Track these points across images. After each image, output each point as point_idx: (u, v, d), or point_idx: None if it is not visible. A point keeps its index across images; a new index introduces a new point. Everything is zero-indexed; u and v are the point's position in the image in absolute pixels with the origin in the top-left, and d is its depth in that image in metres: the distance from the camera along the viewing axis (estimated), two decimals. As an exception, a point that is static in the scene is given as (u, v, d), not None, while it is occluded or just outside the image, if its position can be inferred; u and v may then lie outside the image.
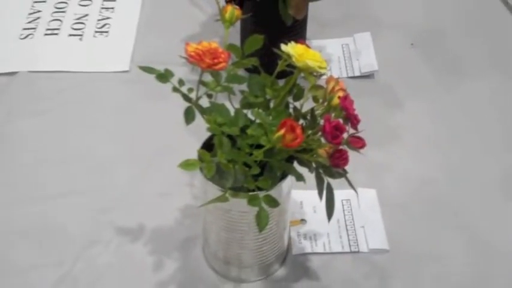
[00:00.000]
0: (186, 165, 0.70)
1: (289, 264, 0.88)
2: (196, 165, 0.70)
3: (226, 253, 0.83)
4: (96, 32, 1.22)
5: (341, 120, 0.71)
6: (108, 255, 0.89)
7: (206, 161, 0.70)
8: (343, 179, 0.97)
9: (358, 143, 0.71)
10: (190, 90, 0.72)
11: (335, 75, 1.12)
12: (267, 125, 0.69)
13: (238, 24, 1.13)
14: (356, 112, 0.72)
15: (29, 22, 1.24)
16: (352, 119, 0.70)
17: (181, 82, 0.72)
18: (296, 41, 0.75)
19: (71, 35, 1.21)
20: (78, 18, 1.24)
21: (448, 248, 0.90)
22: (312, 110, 0.75)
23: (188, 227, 0.91)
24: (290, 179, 0.77)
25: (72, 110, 1.09)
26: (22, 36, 1.21)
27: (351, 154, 1.02)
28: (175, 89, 0.71)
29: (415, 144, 1.04)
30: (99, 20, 1.24)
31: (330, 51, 1.18)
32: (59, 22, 1.23)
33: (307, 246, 0.90)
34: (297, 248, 0.89)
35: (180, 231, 0.91)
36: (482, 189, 0.98)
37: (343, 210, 0.94)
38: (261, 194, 0.69)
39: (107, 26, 1.23)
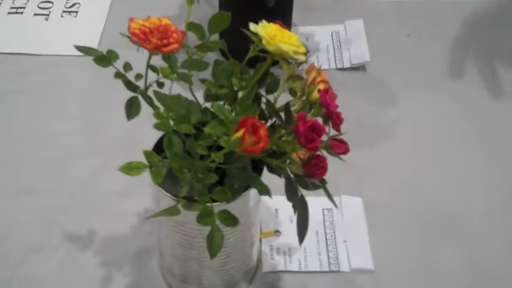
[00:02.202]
0: (129, 168, 0.53)
1: (258, 284, 0.71)
2: (142, 169, 0.53)
3: (183, 270, 0.66)
4: (64, 12, 1.04)
5: (320, 120, 0.54)
6: (53, 264, 0.72)
7: (154, 164, 0.53)
8: (329, 182, 0.82)
9: (339, 148, 0.54)
10: (138, 76, 0.55)
11: (323, 67, 0.96)
12: (229, 122, 0.52)
13: (216, 4, 0.97)
14: (339, 110, 0.55)
15: (-7, -1, 1.06)
16: (334, 118, 0.53)
17: (127, 66, 0.55)
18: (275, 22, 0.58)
19: (36, 14, 1.03)
20: (45, -3, 1.07)
21: (442, 267, 0.73)
22: (287, 105, 0.58)
23: (146, 235, 0.74)
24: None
25: (32, 96, 0.91)
26: (-17, 15, 1.03)
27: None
28: (118, 75, 0.54)
29: (408, 146, 0.86)
30: (68, -1, 1.07)
31: (317, 38, 1.01)
32: (24, 0, 1.06)
33: (280, 263, 0.73)
34: (268, 265, 0.72)
35: (136, 240, 0.74)
36: (483, 197, 0.81)
37: (324, 222, 0.77)
38: (217, 208, 0.51)
39: (77, 5, 1.05)
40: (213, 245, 0.50)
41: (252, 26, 0.54)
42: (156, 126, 0.51)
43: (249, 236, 0.65)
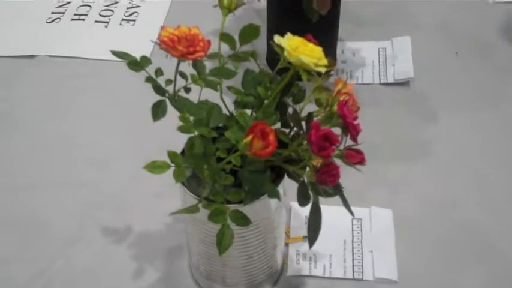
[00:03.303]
0: (153, 167, 0.57)
1: (282, 286, 0.73)
2: (165, 168, 0.57)
3: (207, 268, 0.70)
4: (123, 20, 1.10)
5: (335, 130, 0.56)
6: (88, 255, 0.77)
7: (176, 164, 0.56)
8: (361, 193, 0.84)
9: (354, 158, 0.56)
10: (168, 82, 0.59)
11: (366, 81, 0.98)
12: (248, 127, 0.55)
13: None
14: (357, 121, 0.57)
15: (59, 6, 1.14)
16: (350, 129, 0.55)
17: (158, 72, 0.59)
18: (304, 36, 0.61)
19: (97, 21, 1.10)
20: (107, 5, 1.13)
21: (470, 286, 0.74)
22: (309, 115, 0.61)
23: (178, 233, 0.78)
24: (282, 191, 0.63)
25: (81, 97, 0.98)
26: (49, 20, 1.11)
27: (369, 166, 0.87)
28: (148, 79, 0.58)
29: (446, 163, 0.87)
30: (128, 8, 1.13)
31: (364, 54, 1.03)
32: (87, 8, 1.13)
33: (305, 268, 0.75)
34: (293, 269, 0.75)
35: (169, 238, 0.78)
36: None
37: (352, 231, 0.79)
38: (230, 208, 0.54)
39: (135, 14, 1.11)
40: (222, 242, 0.53)
41: (277, 38, 0.57)
42: (180, 129, 0.55)
43: (272, 239, 0.68)
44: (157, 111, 0.56)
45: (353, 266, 0.75)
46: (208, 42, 0.56)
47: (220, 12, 1.09)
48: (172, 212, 0.60)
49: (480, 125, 0.92)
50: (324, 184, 0.54)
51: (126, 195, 0.83)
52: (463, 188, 0.84)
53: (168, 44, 0.54)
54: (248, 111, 0.61)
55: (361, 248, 0.77)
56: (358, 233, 0.79)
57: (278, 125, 0.61)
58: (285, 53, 0.56)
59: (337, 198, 0.78)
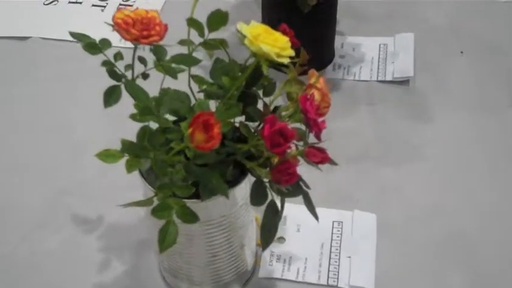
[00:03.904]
0: (105, 156, 0.54)
1: (251, 288, 0.70)
2: (117, 158, 0.54)
3: (171, 264, 0.67)
4: (121, 4, 1.08)
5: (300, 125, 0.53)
6: (54, 243, 0.75)
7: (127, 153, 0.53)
8: (345, 194, 0.80)
9: (316, 156, 0.52)
10: (127, 67, 0.56)
11: (363, 77, 0.94)
12: (207, 119, 0.52)
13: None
14: (321, 118, 0.53)
15: (58, -12, 1.12)
16: (312, 126, 0.52)
17: (118, 56, 0.56)
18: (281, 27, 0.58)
19: (94, 5, 1.08)
20: (107, -11, 1.11)
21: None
22: (275, 109, 0.57)
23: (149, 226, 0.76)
24: (245, 187, 0.59)
25: (70, 81, 0.95)
26: (46, 2, 1.09)
27: (357, 167, 0.83)
28: (105, 63, 0.55)
29: (438, 169, 0.82)
30: (127, -8, 1.10)
31: (364, 50, 0.98)
32: (87, -9, 1.11)
33: (278, 270, 0.71)
34: (265, 271, 0.71)
35: (140, 231, 0.75)
36: (502, 231, 0.75)
37: (332, 234, 0.75)
38: (177, 203, 0.51)
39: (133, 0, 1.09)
40: (165, 240, 0.49)
41: (239, 25, 0.53)
42: (132, 116, 0.52)
43: (238, 237, 0.64)
44: (110, 97, 0.53)
45: (328, 271, 0.71)
46: (165, 26, 0.53)
47: (221, 5, 1.06)
48: (125, 204, 0.57)
49: (478, 130, 0.87)
50: (279, 183, 0.51)
51: (99, 184, 0.81)
52: (453, 195, 0.79)
53: (121, 26, 0.51)
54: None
55: (339, 252, 0.73)
56: (338, 236, 0.75)
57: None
58: (246, 41, 0.52)
59: (320, 197, 0.75)
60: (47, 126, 0.89)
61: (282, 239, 0.75)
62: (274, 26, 0.59)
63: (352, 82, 0.94)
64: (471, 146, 0.85)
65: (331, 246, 0.74)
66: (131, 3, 1.08)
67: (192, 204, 0.54)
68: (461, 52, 0.98)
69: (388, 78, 0.93)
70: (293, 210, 0.67)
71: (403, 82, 0.93)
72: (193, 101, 0.60)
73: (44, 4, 1.08)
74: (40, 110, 0.92)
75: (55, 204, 0.78)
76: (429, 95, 0.92)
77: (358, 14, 1.05)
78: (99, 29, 1.09)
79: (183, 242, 0.61)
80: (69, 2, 1.09)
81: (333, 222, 0.76)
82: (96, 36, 0.91)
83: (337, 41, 0.98)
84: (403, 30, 1.01)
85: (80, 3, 1.08)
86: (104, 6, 1.07)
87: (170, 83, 0.59)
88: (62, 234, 0.75)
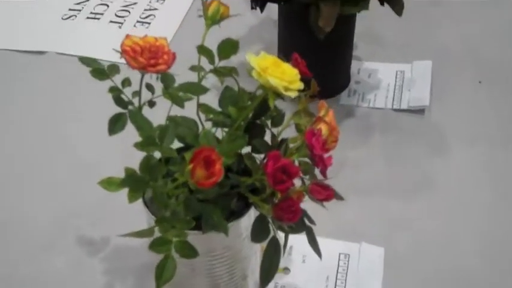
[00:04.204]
0: (107, 183, 0.54)
1: (253, 320, 0.69)
2: (119, 187, 0.53)
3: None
4: (138, 22, 1.08)
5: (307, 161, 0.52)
6: (59, 264, 0.74)
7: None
8: (353, 226, 0.78)
9: (320, 194, 0.51)
10: (135, 94, 0.56)
11: (378, 105, 0.93)
12: (211, 150, 0.51)
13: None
14: (328, 154, 0.52)
15: (77, 4, 1.12)
16: (317, 161, 0.51)
17: (126, 82, 0.56)
18: (291, 56, 0.57)
19: (111, 21, 1.08)
20: (125, 6, 1.11)
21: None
22: (282, 142, 0.56)
23: (154, 250, 0.75)
24: (249, 219, 0.58)
25: (84, 99, 0.95)
26: (65, 17, 1.09)
27: (367, 198, 0.82)
28: (112, 90, 0.55)
29: (450, 203, 0.80)
30: (145, 10, 1.10)
31: (381, 76, 0.97)
32: (105, 7, 1.11)
33: (281, 302, 0.71)
34: (267, 302, 0.70)
35: (145, 255, 0.74)
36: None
37: (338, 266, 0.74)
38: (178, 234, 0.50)
39: (151, 17, 1.09)
40: (163, 275, 0.49)
41: (248, 56, 0.53)
42: (136, 145, 0.52)
43: (240, 269, 0.63)
44: (115, 125, 0.52)
45: (333, 305, 0.70)
46: (173, 55, 0.52)
47: (238, 26, 1.06)
48: (125, 234, 0.56)
49: (494, 164, 0.85)
50: (281, 220, 0.49)
51: (107, 206, 0.80)
52: (464, 231, 0.77)
53: (129, 54, 0.51)
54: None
55: (345, 286, 0.72)
56: (344, 269, 0.74)
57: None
58: (254, 74, 0.51)
59: (325, 227, 0.74)
60: (59, 145, 0.89)
61: (287, 270, 0.74)
62: (290, 49, 0.58)
63: (367, 109, 0.92)
64: (487, 181, 0.83)
65: (336, 279, 0.73)
66: (149, 21, 1.08)
67: (194, 235, 0.54)
68: (480, 82, 0.96)
69: (404, 106, 0.92)
70: (299, 240, 0.66)
71: (419, 111, 0.92)
72: (201, 128, 0.60)
73: (62, 19, 1.09)
74: (52, 127, 0.91)
75: (63, 225, 0.78)
76: (445, 126, 0.90)
77: (376, 39, 1.04)
78: (116, 45, 1.09)
79: (185, 273, 0.60)
80: (87, 18, 1.09)
81: (340, 254, 0.75)
82: (112, 53, 0.89)
83: (354, 66, 0.97)
84: (421, 57, 0.99)
85: (98, 19, 1.09)
86: (122, 23, 1.08)
87: (179, 110, 0.58)
88: (68, 256, 0.75)
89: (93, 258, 0.75)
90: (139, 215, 0.78)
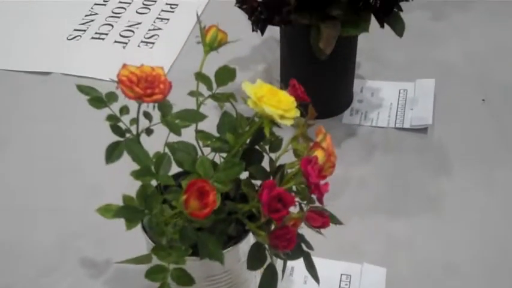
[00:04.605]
0: (105, 210, 0.54)
1: None
2: (114, 216, 0.54)
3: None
4: (142, 42, 1.09)
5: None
6: (63, 287, 0.75)
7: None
8: (355, 246, 0.78)
9: (316, 221, 0.51)
10: (132, 121, 0.57)
11: (381, 124, 0.93)
12: (208, 178, 0.52)
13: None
14: (323, 181, 0.52)
15: (82, 24, 1.13)
16: (313, 189, 0.51)
17: (124, 110, 0.57)
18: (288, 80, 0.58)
19: (116, 41, 1.09)
20: (129, 26, 1.12)
21: None
22: (279, 168, 0.57)
23: (156, 273, 0.75)
24: (248, 243, 0.59)
25: (88, 120, 0.95)
26: (70, 37, 1.11)
27: (369, 218, 0.82)
28: (110, 118, 0.56)
29: (453, 224, 0.80)
30: (149, 30, 1.11)
31: (383, 95, 0.97)
32: (109, 27, 1.12)
33: (281, 325, 0.71)
34: (268, 325, 0.71)
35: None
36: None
37: (339, 287, 0.74)
38: (192, 263, 0.50)
39: (155, 37, 1.10)
40: (159, 303, 0.49)
41: (244, 85, 0.53)
42: (132, 174, 0.52)
43: (239, 293, 0.64)
44: (112, 153, 0.53)
45: (334, 327, 0.70)
46: (169, 84, 0.53)
47: (241, 46, 1.07)
48: (122, 261, 0.57)
49: (499, 184, 0.85)
50: (276, 248, 0.50)
51: (110, 227, 0.80)
52: (467, 253, 0.77)
53: (125, 84, 0.51)
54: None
55: (346, 308, 0.72)
56: (345, 291, 0.74)
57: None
58: (249, 102, 0.52)
59: (327, 248, 0.74)
60: (62, 166, 0.90)
61: (288, 292, 0.74)
62: (292, 69, 0.58)
63: (369, 128, 0.93)
64: (490, 200, 0.83)
65: (338, 300, 0.73)
66: (153, 41, 1.09)
67: (192, 261, 0.54)
68: (483, 100, 0.96)
69: (406, 125, 0.92)
70: (301, 262, 0.67)
71: (421, 130, 0.92)
72: (200, 153, 0.60)
73: (67, 39, 1.10)
74: (57, 149, 0.92)
75: (66, 247, 0.79)
76: (448, 145, 0.90)
77: (379, 57, 1.04)
78: (120, 66, 1.10)
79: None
80: (92, 38, 1.10)
81: (341, 275, 0.75)
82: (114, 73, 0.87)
83: (357, 84, 0.98)
84: (424, 75, 0.99)
85: (103, 39, 1.10)
86: (126, 43, 1.09)
87: (177, 136, 0.59)
88: (71, 278, 0.75)
89: (95, 281, 0.75)
90: (139, 237, 0.79)
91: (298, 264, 0.73)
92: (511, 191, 0.84)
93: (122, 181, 0.88)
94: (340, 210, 0.61)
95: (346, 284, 0.74)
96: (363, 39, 0.91)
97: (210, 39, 0.61)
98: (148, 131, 0.55)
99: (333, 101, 0.94)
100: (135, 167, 0.88)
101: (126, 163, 0.79)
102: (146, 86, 0.51)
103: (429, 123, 0.91)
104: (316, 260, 0.61)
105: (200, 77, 0.59)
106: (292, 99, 0.54)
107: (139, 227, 0.63)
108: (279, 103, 0.52)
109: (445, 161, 0.88)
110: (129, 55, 1.06)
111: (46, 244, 0.79)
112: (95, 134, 0.93)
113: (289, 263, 0.74)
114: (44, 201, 0.85)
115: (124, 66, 0.53)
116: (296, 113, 0.53)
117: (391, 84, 0.99)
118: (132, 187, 0.79)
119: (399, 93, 0.98)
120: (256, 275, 0.67)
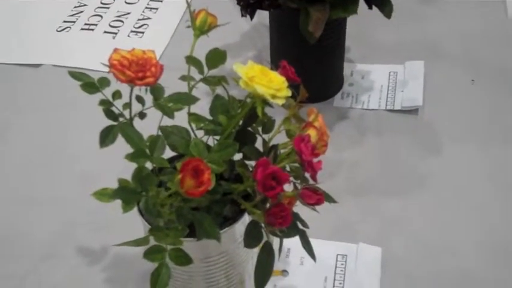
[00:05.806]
0: (101, 194, 0.55)
1: (252, 324, 0.70)
2: (112, 198, 0.54)
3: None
4: (132, 31, 1.09)
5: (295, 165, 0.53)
6: (60, 275, 0.75)
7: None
8: (350, 227, 0.79)
9: (311, 198, 0.52)
10: (125, 105, 0.57)
11: (372, 106, 0.94)
12: (204, 159, 0.52)
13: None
14: (316, 159, 0.53)
15: (71, 15, 1.13)
16: (306, 167, 0.51)
17: (116, 95, 0.57)
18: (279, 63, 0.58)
19: (106, 32, 1.09)
20: (118, 16, 1.12)
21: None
22: (272, 148, 0.57)
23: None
24: (244, 223, 0.59)
25: (80, 110, 0.96)
26: (60, 29, 1.11)
27: (363, 199, 0.82)
28: (102, 103, 0.56)
29: (446, 201, 0.81)
30: (139, 19, 1.11)
31: (374, 77, 0.98)
32: (98, 18, 1.12)
33: (279, 305, 0.71)
34: (266, 305, 0.71)
35: (144, 262, 0.75)
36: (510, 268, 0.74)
37: (336, 267, 0.75)
38: (187, 243, 0.51)
39: (145, 26, 1.10)
40: (158, 283, 0.50)
41: (235, 66, 0.54)
42: (127, 157, 0.53)
43: (236, 274, 0.64)
44: (106, 137, 0.53)
45: (331, 306, 0.71)
46: (161, 67, 0.53)
47: (231, 32, 1.07)
48: (119, 244, 0.57)
49: (489, 161, 0.85)
50: (272, 226, 0.50)
51: (107, 214, 0.81)
52: (461, 230, 0.78)
53: (116, 68, 0.52)
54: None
55: (343, 287, 0.73)
56: (342, 270, 0.74)
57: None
58: (241, 83, 0.52)
59: (323, 229, 0.75)
60: (57, 155, 0.90)
61: (285, 272, 0.74)
62: (282, 53, 0.59)
63: (360, 111, 0.93)
64: (481, 179, 0.84)
65: (334, 280, 0.74)
66: (142, 30, 1.09)
67: (189, 242, 0.55)
68: (472, 80, 0.97)
69: (397, 107, 0.93)
70: (297, 242, 0.67)
71: (412, 111, 0.93)
72: (193, 136, 0.60)
73: (57, 31, 1.10)
74: (50, 138, 0.93)
75: (63, 235, 0.79)
76: (438, 125, 0.91)
77: (368, 40, 1.05)
78: (107, 55, 1.09)
79: (182, 278, 0.61)
80: (82, 29, 1.10)
81: (337, 255, 0.76)
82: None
83: (347, 68, 0.98)
84: (413, 57, 1.00)
85: (92, 30, 1.10)
86: (116, 33, 1.09)
87: (170, 120, 0.59)
88: (69, 266, 0.76)
89: (92, 268, 0.76)
90: (137, 223, 0.79)
91: (295, 246, 0.74)
92: (500, 169, 0.85)
93: (117, 169, 0.89)
94: (334, 191, 0.62)
95: (342, 264, 0.75)
96: (351, 23, 0.92)
97: (200, 23, 0.62)
98: (142, 115, 0.56)
99: (324, 85, 0.95)
100: (113, 156, 0.88)
101: (121, 151, 0.80)
102: (138, 69, 0.52)
103: (419, 105, 0.92)
104: (312, 241, 0.62)
105: (191, 60, 0.60)
106: (283, 79, 0.54)
107: (135, 211, 0.64)
108: (270, 83, 0.53)
109: (436, 141, 0.89)
110: (119, 45, 1.03)
111: (43, 233, 0.80)
112: (88, 123, 0.93)
113: (286, 245, 0.76)
114: (40, 189, 0.85)
115: (115, 50, 0.54)
116: (288, 92, 0.54)
117: (381, 67, 1.00)
118: (128, 174, 0.80)
119: (389, 75, 0.98)
120: (253, 256, 0.68)
